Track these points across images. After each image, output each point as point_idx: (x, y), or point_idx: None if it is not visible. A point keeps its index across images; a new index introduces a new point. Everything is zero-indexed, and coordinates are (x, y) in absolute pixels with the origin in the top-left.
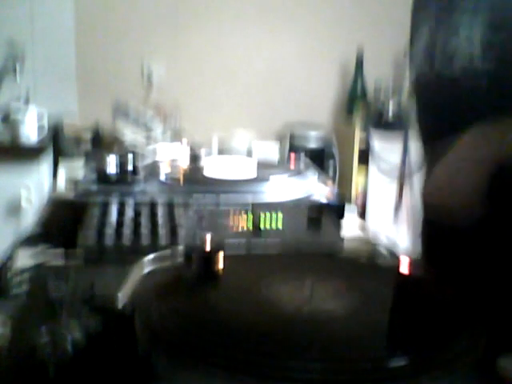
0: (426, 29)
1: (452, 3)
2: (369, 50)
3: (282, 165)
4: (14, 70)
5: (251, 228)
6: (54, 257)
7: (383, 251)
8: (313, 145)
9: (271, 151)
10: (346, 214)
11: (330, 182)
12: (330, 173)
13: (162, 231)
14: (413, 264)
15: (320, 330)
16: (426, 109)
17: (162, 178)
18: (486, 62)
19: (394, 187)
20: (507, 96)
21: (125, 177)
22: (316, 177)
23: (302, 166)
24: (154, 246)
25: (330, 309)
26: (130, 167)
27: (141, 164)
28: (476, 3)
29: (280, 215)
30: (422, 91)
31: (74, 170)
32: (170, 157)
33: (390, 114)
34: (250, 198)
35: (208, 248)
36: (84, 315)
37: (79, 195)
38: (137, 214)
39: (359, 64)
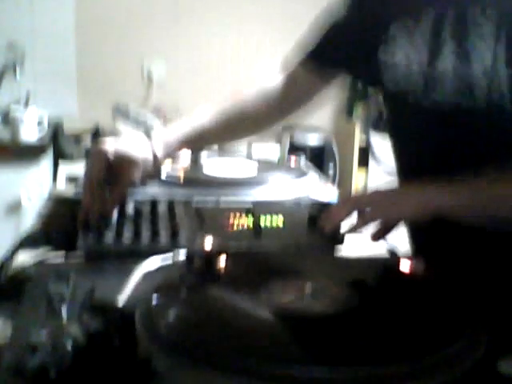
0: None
1: (466, 28)
2: None
3: (282, 165)
4: (14, 71)
5: (251, 228)
6: (55, 257)
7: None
8: (313, 145)
9: (271, 151)
10: None
11: (329, 182)
12: (330, 173)
13: (163, 231)
14: (413, 264)
15: (320, 330)
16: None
17: (163, 177)
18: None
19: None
20: None
21: None
22: (316, 177)
23: (302, 166)
24: (154, 246)
25: (330, 309)
26: None
27: None
28: (497, 28)
29: (280, 215)
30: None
31: (74, 170)
32: None
33: None
34: (250, 198)
35: (208, 248)
36: (84, 315)
37: (79, 195)
38: (137, 214)
39: None
